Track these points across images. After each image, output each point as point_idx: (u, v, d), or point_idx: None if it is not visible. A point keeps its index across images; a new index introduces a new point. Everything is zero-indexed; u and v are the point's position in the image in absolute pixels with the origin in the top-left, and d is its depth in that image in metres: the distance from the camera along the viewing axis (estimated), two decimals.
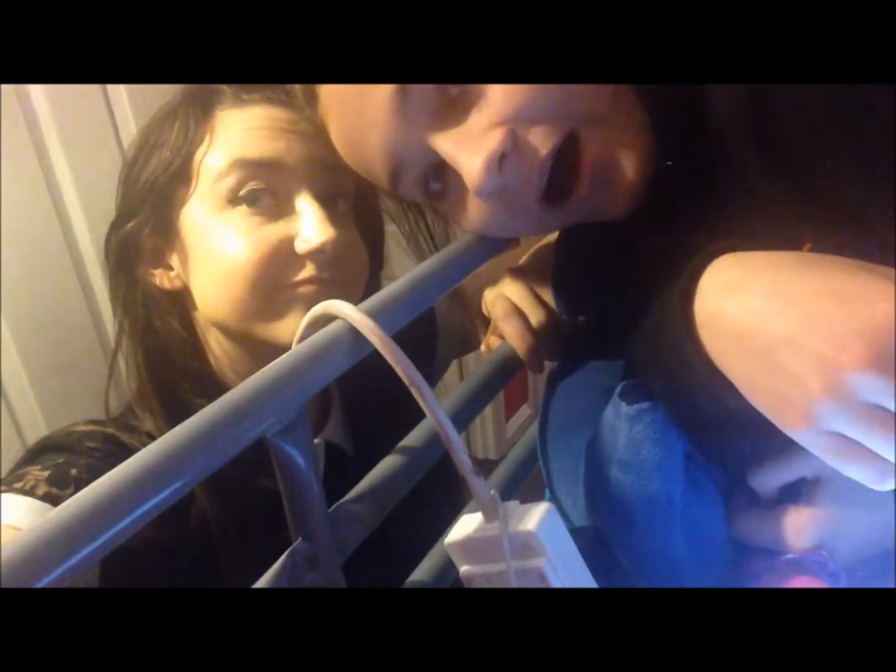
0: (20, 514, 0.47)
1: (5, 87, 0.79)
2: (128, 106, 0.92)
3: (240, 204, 0.55)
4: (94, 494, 0.27)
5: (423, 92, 0.41)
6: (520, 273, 0.58)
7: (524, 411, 2.29)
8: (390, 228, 0.63)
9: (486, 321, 0.62)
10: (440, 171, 0.44)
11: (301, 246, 0.54)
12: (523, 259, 0.61)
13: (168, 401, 0.58)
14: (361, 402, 0.68)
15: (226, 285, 0.55)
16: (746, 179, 0.40)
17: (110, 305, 0.63)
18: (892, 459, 0.32)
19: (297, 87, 0.47)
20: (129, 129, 0.89)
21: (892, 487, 0.33)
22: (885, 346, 0.30)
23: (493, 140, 0.40)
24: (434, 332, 0.78)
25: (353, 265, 0.58)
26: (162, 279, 0.60)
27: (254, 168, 0.54)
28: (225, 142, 0.55)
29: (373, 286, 0.64)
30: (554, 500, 0.52)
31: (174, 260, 0.59)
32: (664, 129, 0.43)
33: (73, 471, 0.52)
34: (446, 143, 0.42)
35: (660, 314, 0.39)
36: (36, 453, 0.56)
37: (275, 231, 0.55)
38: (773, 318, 0.33)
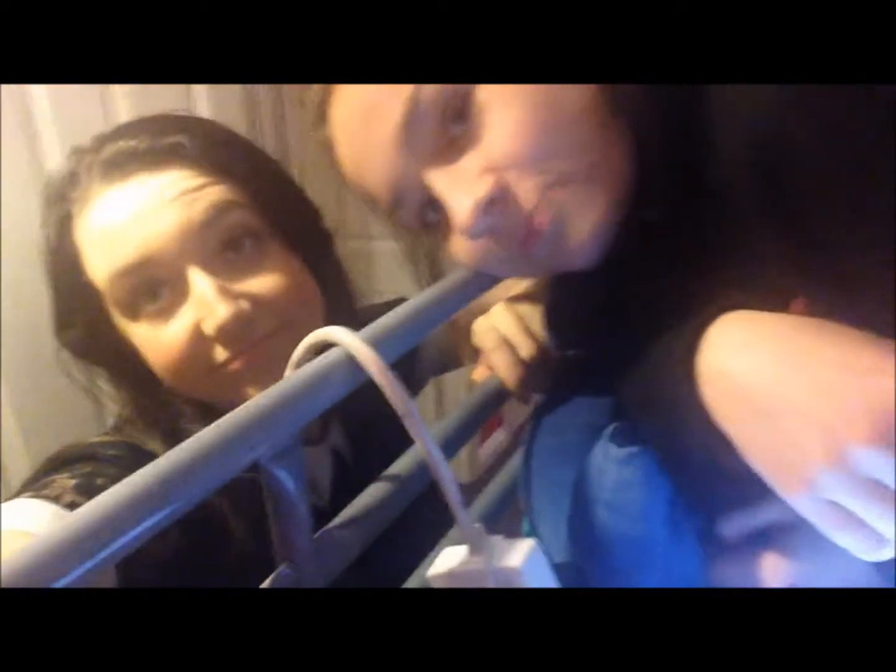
0: (45, 522, 0.47)
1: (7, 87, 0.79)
2: (126, 107, 0.92)
3: (142, 305, 0.53)
4: (83, 520, 0.27)
5: (427, 127, 0.42)
6: (511, 305, 0.59)
7: (498, 435, 2.29)
8: (370, 246, 0.62)
9: (475, 349, 0.62)
10: (437, 204, 0.44)
11: (209, 328, 0.52)
12: (515, 291, 0.61)
13: (165, 426, 0.57)
14: (359, 410, 0.68)
15: (168, 378, 0.55)
16: (744, 230, 0.41)
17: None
18: (886, 533, 0.32)
19: (311, 109, 0.47)
20: None
21: (881, 559, 0.34)
22: (890, 423, 0.30)
23: (484, 185, 0.41)
24: (414, 348, 0.78)
25: (287, 304, 0.55)
26: (121, 346, 0.58)
27: (132, 272, 0.52)
28: (96, 257, 0.53)
29: (335, 294, 0.63)
30: (533, 532, 0.53)
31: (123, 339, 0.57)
32: (658, 180, 0.44)
33: (99, 480, 0.51)
34: (440, 182, 0.42)
35: (660, 362, 0.40)
36: (60, 463, 0.54)
37: (181, 324, 0.53)
38: (780, 383, 0.34)
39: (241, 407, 0.33)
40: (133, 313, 0.54)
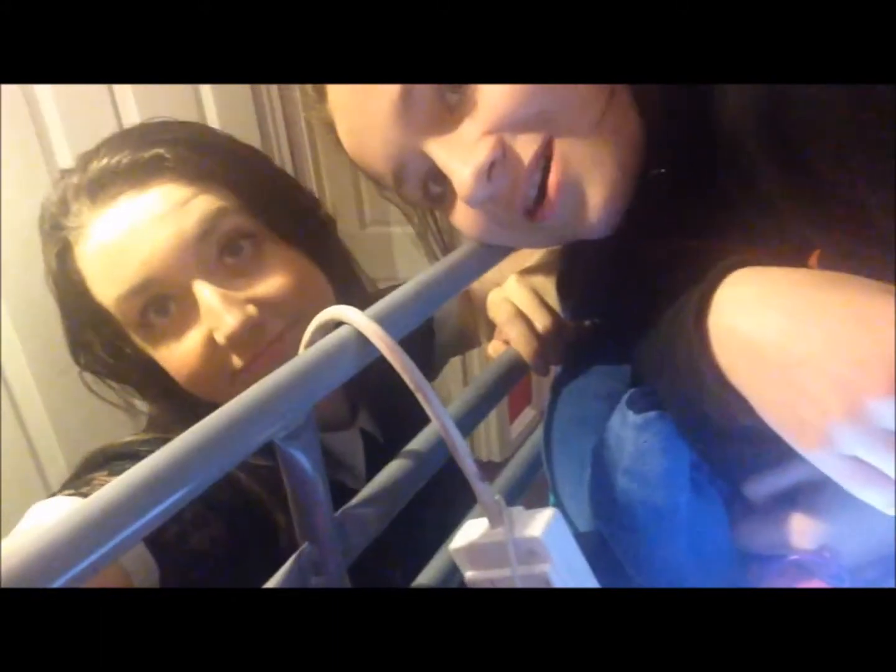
0: None
1: (12, 87, 0.80)
2: (135, 107, 0.93)
3: (154, 321, 0.54)
4: (104, 499, 0.27)
5: (423, 98, 0.41)
6: (524, 277, 0.58)
7: (528, 413, 2.29)
8: (390, 231, 0.62)
9: (491, 324, 0.62)
10: (439, 175, 0.44)
11: (221, 339, 0.52)
12: (528, 263, 0.61)
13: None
14: (385, 389, 0.69)
15: (191, 389, 0.56)
16: (756, 185, 0.40)
17: None
18: None
19: (310, 86, 0.47)
20: None
21: None
22: None
23: (483, 149, 0.40)
24: (430, 328, 0.78)
25: (295, 300, 0.55)
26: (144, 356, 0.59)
27: (137, 294, 0.52)
28: (99, 284, 0.54)
29: (345, 283, 0.63)
30: (558, 504, 0.52)
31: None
32: (665, 136, 0.43)
33: None
34: (440, 151, 0.42)
35: (672, 326, 0.39)
36: (101, 461, 0.56)
37: (194, 337, 0.53)
38: (793, 338, 0.33)
39: (253, 386, 0.33)
40: (147, 332, 0.55)
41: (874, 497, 0.33)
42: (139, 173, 0.53)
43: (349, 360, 0.37)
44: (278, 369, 0.35)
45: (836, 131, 0.36)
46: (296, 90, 1.31)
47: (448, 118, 0.42)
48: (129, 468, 0.51)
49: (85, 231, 0.53)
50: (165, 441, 0.56)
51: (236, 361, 0.54)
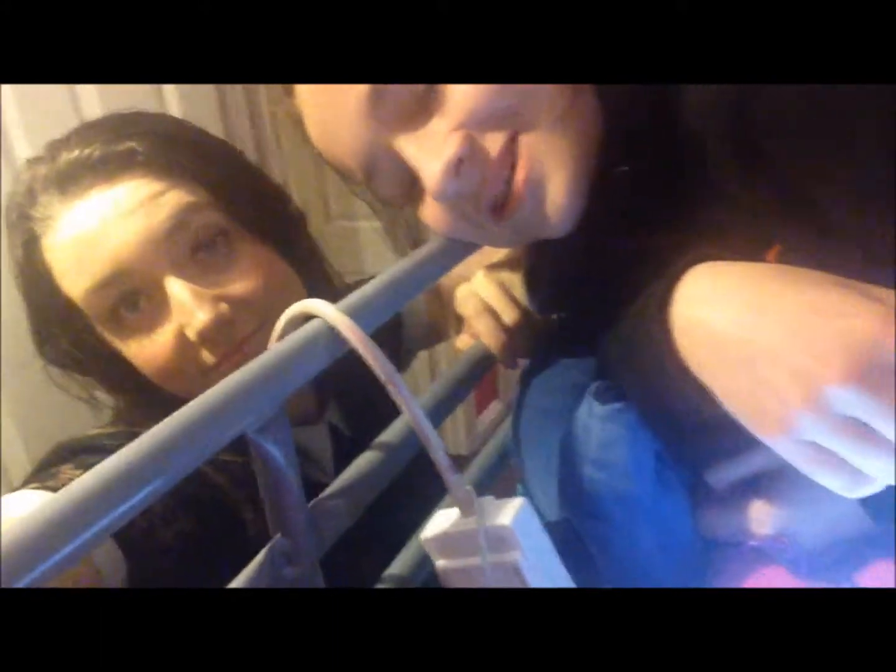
0: None
1: None
2: (97, 97, 0.91)
3: (123, 315, 0.53)
4: (74, 494, 0.27)
5: (393, 94, 0.41)
6: (492, 271, 0.59)
7: (495, 407, 2.30)
8: (356, 225, 0.62)
9: (458, 317, 0.62)
10: (408, 171, 0.44)
11: (192, 334, 0.52)
12: (496, 257, 0.61)
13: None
14: (354, 383, 0.69)
15: (162, 384, 0.56)
16: (718, 181, 0.41)
17: None
18: (866, 470, 0.33)
19: None
20: None
21: (863, 495, 0.34)
22: (864, 362, 0.31)
23: (451, 145, 0.41)
24: (398, 321, 0.78)
25: (267, 301, 0.55)
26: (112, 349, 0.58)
27: (105, 289, 0.52)
28: (67, 276, 0.52)
29: (314, 278, 0.63)
30: (527, 494, 0.53)
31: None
32: (629, 132, 0.44)
33: None
34: (409, 147, 0.42)
35: (636, 318, 0.40)
36: (65, 454, 0.55)
37: (165, 333, 0.53)
38: (753, 328, 0.34)
39: (225, 380, 0.33)
40: (116, 326, 0.54)
41: (832, 481, 0.34)
42: (111, 166, 0.52)
43: (320, 354, 0.37)
44: (250, 363, 0.35)
45: (796, 128, 0.37)
46: (261, 91, 1.30)
47: (417, 114, 0.42)
48: (95, 462, 0.51)
49: (53, 223, 0.52)
50: (132, 434, 0.55)
51: (207, 358, 0.53)
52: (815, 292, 0.34)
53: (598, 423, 0.43)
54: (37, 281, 0.54)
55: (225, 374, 0.52)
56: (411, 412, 0.36)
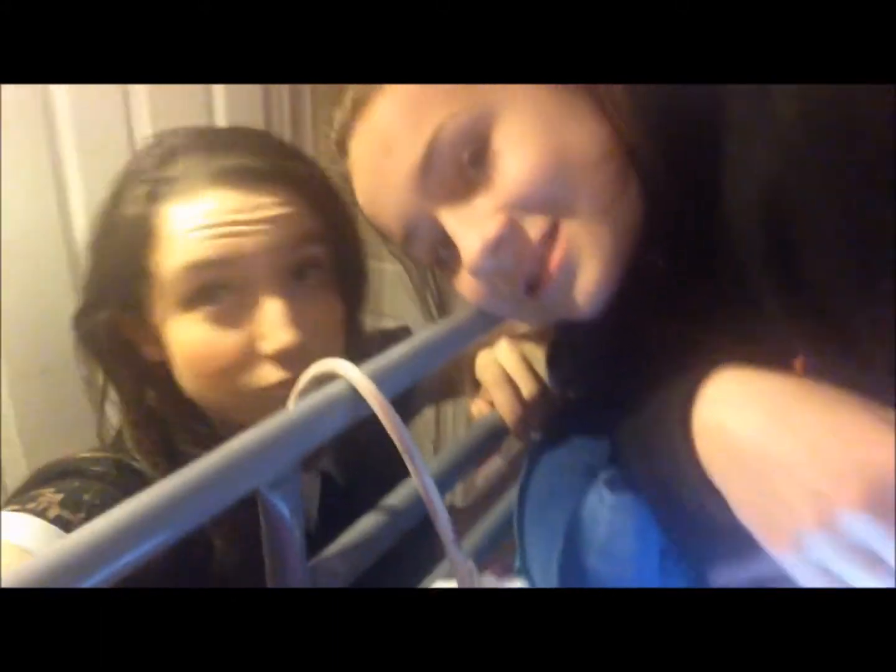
0: (29, 535, 0.47)
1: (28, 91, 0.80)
2: (147, 115, 0.94)
3: (200, 304, 0.54)
4: (84, 540, 0.27)
5: (442, 168, 0.42)
6: (515, 341, 0.59)
7: (494, 461, 2.28)
8: (382, 266, 0.62)
9: (476, 382, 0.62)
10: (448, 241, 0.45)
11: (265, 348, 0.53)
12: (521, 328, 0.62)
13: (161, 445, 0.58)
14: (358, 434, 0.69)
15: (202, 384, 0.55)
16: (750, 286, 0.42)
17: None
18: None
19: (332, 141, 0.48)
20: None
21: None
22: (879, 490, 0.31)
23: (493, 225, 0.41)
24: None
25: (325, 342, 0.56)
26: (143, 350, 0.59)
27: (206, 270, 0.53)
28: (174, 244, 0.53)
29: (352, 328, 0.64)
30: (524, 570, 0.53)
31: (151, 338, 0.58)
32: (668, 228, 0.44)
33: (87, 496, 0.51)
34: (452, 220, 0.43)
35: (657, 414, 0.40)
36: (48, 477, 0.55)
37: (237, 335, 0.54)
38: (774, 442, 0.34)
39: (243, 435, 0.33)
40: (183, 310, 0.54)
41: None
42: (264, 178, 0.54)
43: (340, 416, 0.37)
44: (269, 419, 0.35)
45: (834, 247, 0.37)
46: (306, 99, 1.32)
47: (463, 189, 0.43)
48: (76, 486, 0.53)
49: (187, 194, 0.53)
50: (118, 463, 0.56)
51: (267, 375, 0.54)
52: (838, 414, 0.34)
53: (607, 512, 0.42)
54: (129, 237, 0.54)
55: (272, 398, 0.51)
56: (423, 484, 0.36)
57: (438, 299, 0.54)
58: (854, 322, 0.38)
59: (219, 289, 0.53)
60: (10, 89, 0.79)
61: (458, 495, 2.12)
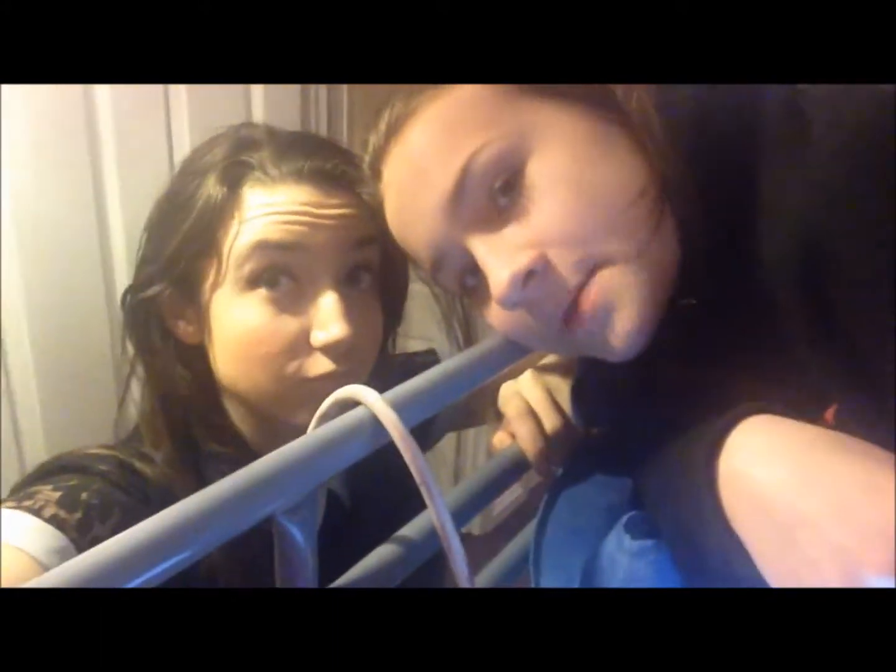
0: (23, 534, 0.47)
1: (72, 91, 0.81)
2: (186, 126, 0.95)
3: (259, 286, 0.55)
4: (97, 560, 0.27)
5: (474, 196, 0.42)
6: (540, 374, 0.59)
7: (514, 490, 2.27)
8: (415, 288, 0.63)
9: (499, 413, 0.62)
10: (476, 270, 0.45)
11: (317, 339, 0.55)
12: (545, 360, 0.61)
13: (179, 438, 0.59)
14: (372, 458, 0.68)
15: (241, 366, 0.56)
16: (783, 333, 0.41)
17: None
18: None
19: (366, 165, 0.49)
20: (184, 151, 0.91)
21: None
22: None
23: (525, 258, 0.41)
24: None
25: (369, 346, 0.59)
26: (179, 330, 0.60)
27: (275, 252, 0.54)
28: (250, 224, 0.55)
29: (386, 344, 0.65)
30: None
31: (193, 317, 0.59)
32: (702, 271, 0.44)
33: (84, 495, 0.51)
34: (482, 248, 0.43)
35: (681, 459, 0.39)
36: (50, 472, 0.55)
37: (291, 322, 0.55)
38: (800, 495, 0.33)
39: (261, 460, 0.33)
40: (243, 288, 0.55)
41: None
42: (341, 180, 0.57)
43: (360, 444, 0.37)
44: (288, 444, 0.35)
45: (873, 299, 0.37)
46: (342, 101, 1.33)
47: (495, 219, 0.43)
48: (74, 484, 0.53)
49: (273, 179, 0.55)
50: (121, 463, 0.56)
51: (308, 367, 0.55)
52: (868, 470, 0.33)
53: (626, 557, 0.41)
54: (201, 216, 0.56)
55: (309, 390, 0.55)
56: (441, 520, 0.36)
57: (465, 327, 0.54)
58: (889, 371, 0.37)
59: (281, 275, 0.55)
60: (52, 95, 0.81)
61: (476, 524, 2.11)
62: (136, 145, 0.90)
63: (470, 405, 0.80)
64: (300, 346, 0.55)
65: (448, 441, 1.96)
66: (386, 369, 0.62)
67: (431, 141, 0.43)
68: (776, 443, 0.36)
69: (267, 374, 0.55)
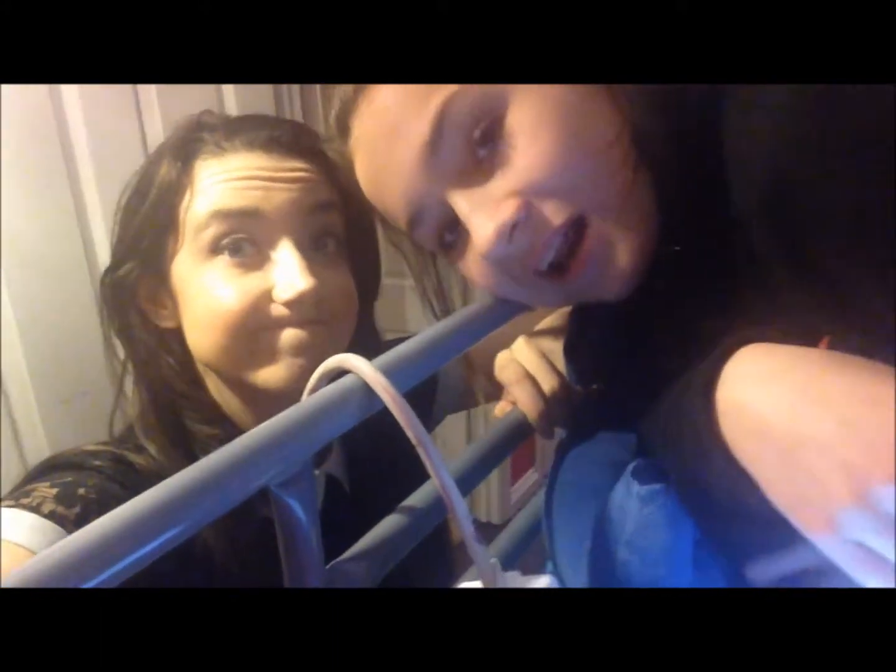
0: (23, 531, 0.47)
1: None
2: (160, 124, 0.95)
3: (221, 253, 0.55)
4: (91, 536, 0.26)
5: (452, 148, 0.42)
6: (533, 339, 0.58)
7: (530, 476, 2.26)
8: (404, 284, 0.63)
9: (497, 384, 0.61)
10: (455, 225, 0.44)
11: (280, 296, 0.55)
12: (538, 325, 0.61)
13: (170, 426, 0.59)
14: (361, 438, 0.68)
15: (211, 334, 0.56)
16: (766, 269, 0.40)
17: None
18: None
19: (332, 119, 0.48)
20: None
21: None
22: None
23: (508, 209, 0.41)
24: (434, 380, 0.78)
25: (339, 306, 0.59)
26: (157, 317, 0.61)
27: (233, 218, 0.55)
28: (204, 193, 0.55)
29: (365, 319, 0.65)
30: (556, 572, 0.51)
31: (167, 301, 0.60)
32: (679, 218, 0.44)
33: (81, 490, 0.52)
34: (463, 203, 0.42)
35: (679, 399, 0.38)
36: (45, 470, 0.56)
37: (255, 281, 0.55)
38: (802, 417, 0.32)
39: (253, 430, 0.33)
40: (208, 256, 0.56)
41: (877, 583, 0.32)
42: (294, 147, 0.57)
43: (352, 411, 0.36)
44: (280, 414, 0.34)
45: (842, 225, 0.36)
46: (316, 100, 1.34)
47: (475, 171, 0.42)
48: (70, 480, 0.53)
49: (223, 154, 0.56)
50: (117, 457, 0.56)
51: (277, 317, 0.55)
52: (870, 382, 0.32)
53: (635, 503, 0.41)
54: (161, 192, 0.57)
55: (278, 340, 0.55)
56: (439, 477, 0.35)
57: (438, 286, 0.53)
58: (874, 300, 0.36)
59: (242, 241, 0.55)
60: (18, 100, 0.80)
61: (495, 513, 2.10)
62: (111, 150, 0.90)
63: (464, 386, 0.80)
64: (265, 303, 0.55)
65: (459, 424, 1.95)
66: (379, 353, 0.62)
67: (404, 90, 0.42)
68: (773, 367, 0.35)
69: (232, 333, 0.55)
